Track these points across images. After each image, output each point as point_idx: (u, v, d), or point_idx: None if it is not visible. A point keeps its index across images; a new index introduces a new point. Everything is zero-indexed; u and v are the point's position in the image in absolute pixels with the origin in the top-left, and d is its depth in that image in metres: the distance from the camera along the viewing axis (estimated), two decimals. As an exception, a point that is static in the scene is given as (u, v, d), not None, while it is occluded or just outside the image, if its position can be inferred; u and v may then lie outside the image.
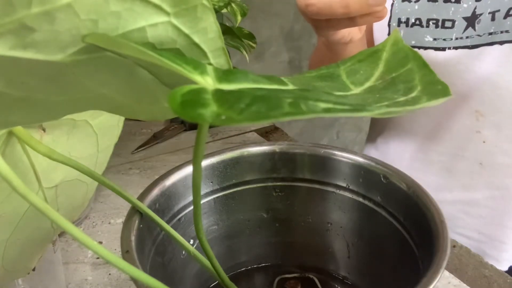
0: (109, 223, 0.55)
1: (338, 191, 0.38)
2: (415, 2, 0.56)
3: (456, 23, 0.54)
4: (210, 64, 0.18)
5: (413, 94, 0.17)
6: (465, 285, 0.44)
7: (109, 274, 0.47)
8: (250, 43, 0.72)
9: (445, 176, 0.62)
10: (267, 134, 0.78)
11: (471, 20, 0.53)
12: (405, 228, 0.34)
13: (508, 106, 0.55)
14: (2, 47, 0.15)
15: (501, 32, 0.51)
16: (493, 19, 0.51)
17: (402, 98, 0.16)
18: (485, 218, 0.61)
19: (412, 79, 0.18)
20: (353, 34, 0.48)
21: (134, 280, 0.25)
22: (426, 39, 0.55)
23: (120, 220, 0.55)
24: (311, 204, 0.40)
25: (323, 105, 0.14)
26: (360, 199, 0.38)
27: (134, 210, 0.31)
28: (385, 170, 0.36)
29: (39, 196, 0.28)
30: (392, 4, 0.57)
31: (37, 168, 0.27)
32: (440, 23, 0.54)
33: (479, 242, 0.61)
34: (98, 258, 0.49)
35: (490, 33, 0.52)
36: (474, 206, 0.61)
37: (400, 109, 0.16)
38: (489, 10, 0.51)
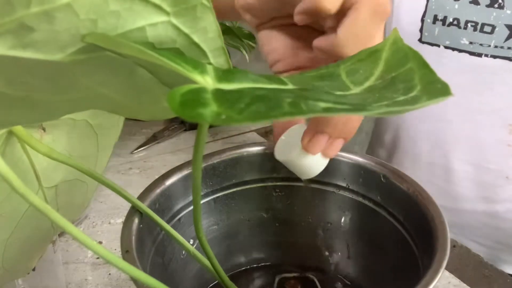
0: (109, 223, 0.55)
1: (338, 191, 0.38)
2: (455, 0, 0.53)
3: (497, 29, 0.51)
4: (210, 63, 0.18)
5: (413, 94, 0.17)
6: (465, 285, 0.44)
7: (109, 274, 0.47)
8: (250, 43, 0.72)
9: (468, 187, 0.60)
10: (267, 134, 0.78)
11: None
12: (405, 228, 0.34)
13: None
14: (2, 47, 0.15)
15: None
16: None
17: (401, 98, 0.16)
18: (503, 230, 0.60)
19: (411, 78, 0.18)
20: None
21: (134, 280, 0.25)
22: (462, 42, 0.53)
23: (120, 220, 0.55)
24: (311, 204, 0.40)
25: (323, 104, 0.14)
26: (360, 199, 0.37)
27: (134, 210, 0.31)
28: (385, 170, 0.36)
29: (39, 196, 0.28)
30: None
31: (37, 168, 0.27)
32: (479, 27, 0.52)
33: (493, 249, 0.60)
34: (98, 258, 0.49)
35: None
36: (494, 218, 0.60)
37: (399, 109, 0.16)
38: None
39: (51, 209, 0.18)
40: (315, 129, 0.29)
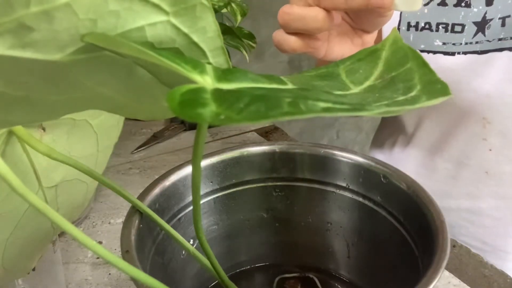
0: (109, 223, 0.55)
1: (338, 191, 0.38)
2: (424, 5, 0.55)
3: (466, 27, 0.53)
4: (209, 63, 0.18)
5: (413, 93, 0.17)
6: (465, 285, 0.44)
7: (109, 274, 0.47)
8: (250, 43, 0.72)
9: (450, 184, 0.61)
10: (267, 134, 0.78)
11: (481, 25, 0.52)
12: (405, 228, 0.34)
13: None
14: (1, 47, 0.15)
15: (511, 38, 0.51)
16: (503, 24, 0.51)
17: (401, 97, 0.16)
18: (489, 228, 0.60)
19: (411, 78, 0.18)
20: (351, 52, 0.45)
21: (134, 280, 0.25)
22: (436, 43, 0.55)
23: (120, 220, 0.55)
24: (311, 204, 0.40)
25: (322, 104, 0.14)
26: (360, 199, 0.37)
27: (134, 210, 0.31)
28: (385, 170, 0.36)
29: (39, 196, 0.28)
30: None
31: (37, 168, 0.27)
32: (449, 27, 0.54)
33: (482, 251, 0.61)
34: (98, 258, 0.49)
35: (500, 39, 0.51)
36: (478, 215, 0.60)
37: (399, 108, 0.16)
38: (499, 16, 0.51)
39: (51, 209, 0.18)
40: None
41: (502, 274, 0.46)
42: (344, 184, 0.38)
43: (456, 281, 0.45)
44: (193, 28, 0.17)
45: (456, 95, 0.56)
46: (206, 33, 0.17)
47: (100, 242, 0.51)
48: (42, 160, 0.26)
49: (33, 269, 0.33)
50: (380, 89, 0.18)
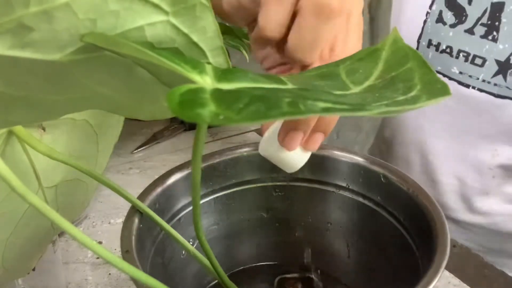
0: (109, 223, 0.55)
1: (338, 191, 0.38)
2: (450, 26, 0.53)
3: (487, 63, 0.51)
4: (209, 63, 0.18)
5: (413, 93, 0.17)
6: (465, 285, 0.44)
7: (109, 274, 0.47)
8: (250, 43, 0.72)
9: (452, 198, 0.61)
10: (267, 134, 0.78)
11: (504, 68, 0.50)
12: (405, 228, 0.34)
13: None
14: (1, 47, 0.15)
15: None
16: None
17: (401, 97, 0.16)
18: (493, 236, 0.61)
19: (411, 78, 0.18)
20: None
21: (134, 280, 0.25)
22: (453, 70, 0.54)
23: (120, 220, 0.55)
24: (311, 204, 0.40)
25: (322, 104, 0.14)
26: (360, 199, 0.37)
27: (134, 210, 0.31)
28: (385, 170, 0.36)
29: (39, 196, 0.28)
30: (425, 21, 0.55)
31: (37, 168, 0.27)
32: (470, 58, 0.52)
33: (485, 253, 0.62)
34: (98, 258, 0.49)
35: None
36: (480, 228, 0.61)
37: (399, 108, 0.16)
38: None
39: (51, 209, 0.18)
40: (288, 126, 0.29)
41: (502, 274, 0.46)
42: (344, 184, 0.38)
43: (456, 281, 0.45)
44: (193, 28, 0.17)
45: (462, 121, 0.56)
46: (206, 33, 0.17)
47: (100, 242, 0.51)
48: (42, 160, 0.26)
49: (33, 269, 0.33)
50: (380, 89, 0.18)
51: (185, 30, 0.17)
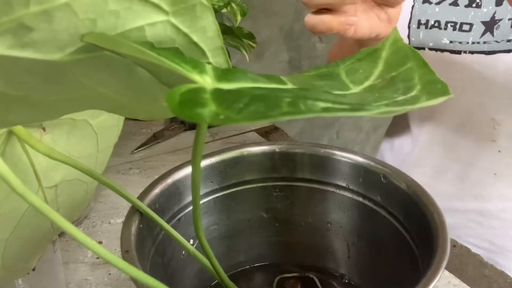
0: (109, 223, 0.55)
1: (338, 191, 0.38)
2: (436, 4, 0.55)
3: (474, 26, 0.53)
4: (209, 63, 0.18)
5: (413, 93, 0.17)
6: (465, 285, 0.44)
7: (109, 274, 0.47)
8: (250, 43, 0.72)
9: (458, 185, 0.60)
10: (267, 134, 0.78)
11: (490, 25, 0.52)
12: (405, 228, 0.34)
13: None
14: (1, 47, 0.15)
15: None
16: None
17: (401, 97, 0.16)
18: (497, 229, 0.60)
19: (411, 78, 0.18)
20: (378, 29, 0.46)
21: (134, 280, 0.25)
22: (443, 42, 0.55)
23: (120, 220, 0.55)
24: (311, 204, 0.40)
25: (322, 104, 0.14)
26: (360, 199, 0.37)
27: (134, 210, 0.31)
28: (385, 170, 0.36)
29: (39, 196, 0.28)
30: (413, 6, 0.57)
31: (37, 168, 0.27)
32: (458, 26, 0.54)
33: (490, 252, 0.60)
34: (98, 258, 0.49)
35: (509, 40, 0.51)
36: (486, 217, 0.60)
37: (399, 108, 0.16)
38: (509, 17, 0.51)
39: (50, 209, 0.18)
40: None
41: (502, 274, 0.46)
42: (344, 184, 0.38)
43: (456, 281, 0.45)
44: (193, 28, 0.17)
45: (464, 95, 0.56)
46: (206, 33, 0.17)
47: (100, 242, 0.51)
48: (42, 159, 0.26)
49: (33, 269, 0.33)
50: (380, 89, 0.18)
51: (185, 30, 0.17)
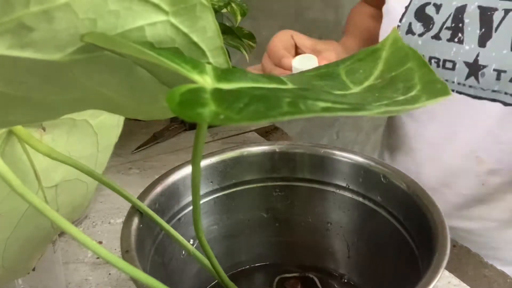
0: (109, 223, 0.55)
1: (338, 191, 0.38)
2: (419, 35, 0.55)
3: (457, 66, 0.52)
4: (209, 63, 0.18)
5: (413, 93, 0.17)
6: (465, 285, 0.44)
7: (109, 274, 0.47)
8: (250, 43, 0.72)
9: (442, 205, 0.61)
10: (267, 133, 0.78)
11: (474, 69, 0.51)
12: (405, 228, 0.34)
13: (510, 161, 0.53)
14: (1, 47, 0.15)
15: (505, 93, 0.50)
16: (498, 78, 0.50)
17: (401, 97, 0.16)
18: (480, 244, 0.60)
19: (411, 78, 0.18)
20: None
21: (134, 280, 0.25)
22: None
23: (120, 220, 0.55)
24: (311, 204, 0.40)
25: (322, 104, 0.14)
26: (360, 199, 0.37)
27: (134, 210, 0.31)
28: (385, 170, 0.36)
29: (39, 196, 0.28)
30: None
31: (37, 168, 0.27)
32: (441, 63, 0.53)
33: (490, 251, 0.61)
34: (98, 258, 0.49)
35: (494, 91, 0.51)
36: (471, 235, 0.60)
37: (399, 108, 0.16)
38: (494, 67, 0.50)
39: (50, 209, 0.18)
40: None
41: (502, 274, 0.46)
42: (344, 184, 0.38)
43: (456, 281, 0.45)
44: (193, 28, 0.17)
45: (445, 128, 0.56)
46: (206, 33, 0.17)
47: (100, 242, 0.51)
48: (42, 160, 0.26)
49: (33, 269, 0.33)
50: (380, 89, 0.18)
51: (185, 30, 0.17)
